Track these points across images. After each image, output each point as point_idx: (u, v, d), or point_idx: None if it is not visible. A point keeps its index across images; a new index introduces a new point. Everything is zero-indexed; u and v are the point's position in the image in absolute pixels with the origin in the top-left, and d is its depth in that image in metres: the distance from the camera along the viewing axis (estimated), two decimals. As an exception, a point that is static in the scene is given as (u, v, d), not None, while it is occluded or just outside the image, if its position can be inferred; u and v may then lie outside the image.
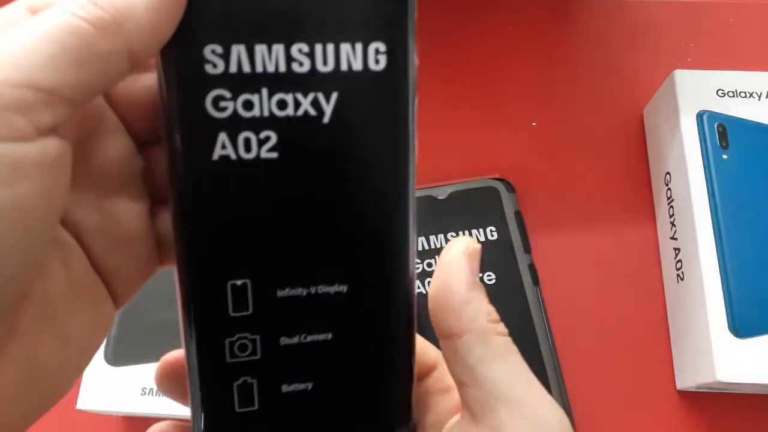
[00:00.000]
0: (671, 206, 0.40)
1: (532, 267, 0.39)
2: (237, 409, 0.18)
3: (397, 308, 0.19)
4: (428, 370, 0.21)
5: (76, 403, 0.34)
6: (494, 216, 0.40)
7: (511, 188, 0.41)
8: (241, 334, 0.17)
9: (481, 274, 0.38)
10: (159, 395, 0.34)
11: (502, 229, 0.39)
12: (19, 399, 0.15)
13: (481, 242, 0.39)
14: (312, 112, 0.17)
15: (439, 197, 0.40)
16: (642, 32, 0.47)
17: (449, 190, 0.40)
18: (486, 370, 0.17)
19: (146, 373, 0.34)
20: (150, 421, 0.36)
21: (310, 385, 0.18)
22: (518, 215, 0.40)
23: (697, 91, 0.39)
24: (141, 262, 0.18)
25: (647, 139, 0.44)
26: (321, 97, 0.17)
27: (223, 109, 0.16)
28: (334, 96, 0.17)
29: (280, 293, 0.18)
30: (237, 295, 0.17)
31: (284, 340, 0.18)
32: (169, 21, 0.15)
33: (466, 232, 0.39)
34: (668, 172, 0.40)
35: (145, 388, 0.34)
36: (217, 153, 0.16)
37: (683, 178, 0.38)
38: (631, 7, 0.48)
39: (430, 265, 0.39)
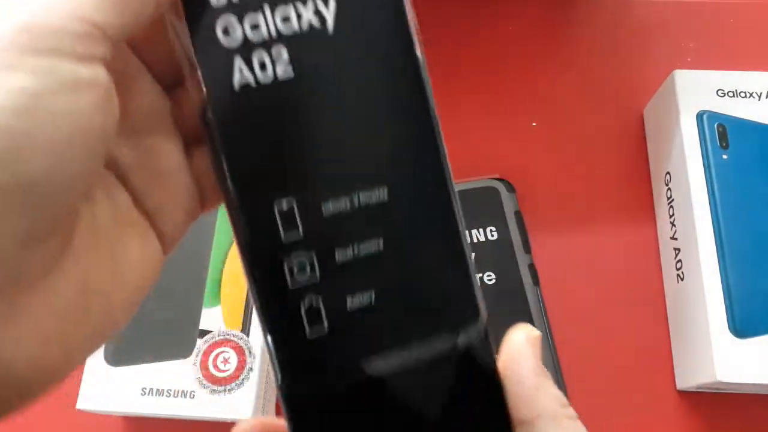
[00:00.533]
0: (671, 206, 0.40)
1: (532, 267, 0.39)
2: (309, 337, 0.18)
3: (437, 202, 0.19)
4: None
5: (76, 403, 0.34)
6: (494, 216, 0.40)
7: (511, 188, 0.41)
8: (298, 257, 0.18)
9: (481, 274, 0.39)
10: (159, 395, 0.34)
11: (502, 229, 0.39)
12: (72, 319, 0.16)
13: (481, 242, 0.39)
14: (316, 23, 0.17)
15: (439, 197, 0.40)
16: (642, 32, 0.47)
17: (449, 190, 0.40)
18: None
19: (146, 373, 0.34)
20: (150, 421, 0.36)
21: (373, 297, 0.18)
22: (518, 215, 0.40)
23: (697, 91, 0.39)
24: (182, 200, 0.19)
25: (647, 139, 0.44)
26: (320, 3, 0.17)
27: (233, 35, 0.17)
28: (332, 3, 0.17)
29: (324, 208, 0.18)
30: (286, 219, 0.18)
31: (339, 255, 0.18)
32: None
33: (467, 232, 0.39)
34: (668, 172, 0.40)
35: (145, 388, 0.34)
36: (237, 81, 0.17)
37: (683, 178, 0.38)
38: (631, 7, 0.48)
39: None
